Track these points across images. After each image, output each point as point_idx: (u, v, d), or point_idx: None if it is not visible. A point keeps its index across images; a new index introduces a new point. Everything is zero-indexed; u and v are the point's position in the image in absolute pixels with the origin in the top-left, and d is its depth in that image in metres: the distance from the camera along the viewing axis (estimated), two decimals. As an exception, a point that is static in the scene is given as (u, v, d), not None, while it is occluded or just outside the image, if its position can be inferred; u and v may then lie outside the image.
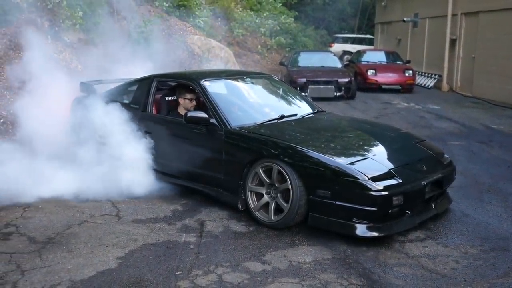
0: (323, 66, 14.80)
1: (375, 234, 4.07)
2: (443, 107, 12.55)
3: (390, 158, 4.57)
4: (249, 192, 4.59)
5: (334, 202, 4.10)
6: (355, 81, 14.35)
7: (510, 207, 5.06)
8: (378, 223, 4.10)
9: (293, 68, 14.65)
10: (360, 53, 18.12)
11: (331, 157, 4.29)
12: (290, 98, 5.99)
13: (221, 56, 14.63)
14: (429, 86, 17.34)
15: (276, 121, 5.11)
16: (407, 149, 4.96)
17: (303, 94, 6.92)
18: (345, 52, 25.88)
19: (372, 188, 4.00)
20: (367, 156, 4.48)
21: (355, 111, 11.64)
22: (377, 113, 11.43)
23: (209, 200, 5.04)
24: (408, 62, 17.27)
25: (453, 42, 16.67)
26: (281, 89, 6.07)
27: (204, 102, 5.25)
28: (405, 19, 20.96)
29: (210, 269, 3.71)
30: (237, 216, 4.72)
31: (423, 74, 18.47)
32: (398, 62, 16.97)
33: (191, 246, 4.11)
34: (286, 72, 14.43)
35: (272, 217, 4.43)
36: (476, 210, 4.96)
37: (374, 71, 15.70)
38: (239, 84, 5.81)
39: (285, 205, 4.33)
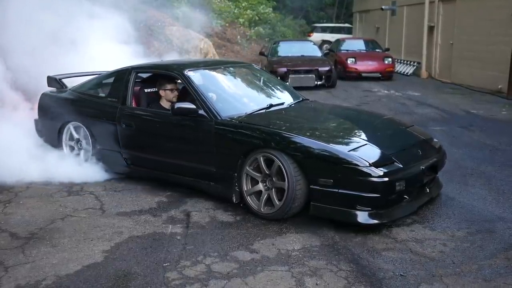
0: (303, 55, 14.79)
1: (377, 221, 4.04)
2: (423, 94, 12.64)
3: (386, 144, 4.51)
4: (244, 175, 4.45)
5: (336, 190, 4.01)
6: (335, 70, 14.36)
7: (494, 190, 5.10)
8: (380, 210, 4.06)
9: (273, 58, 14.60)
10: (339, 42, 18.16)
11: (332, 145, 4.19)
12: (274, 87, 5.87)
13: (200, 47, 14.49)
14: (408, 74, 17.46)
15: (264, 110, 4.99)
16: (399, 135, 4.93)
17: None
18: (324, 42, 25.97)
19: (375, 174, 3.94)
20: (365, 142, 4.37)
21: (336, 99, 11.65)
22: (359, 101, 11.46)
23: (194, 191, 4.97)
24: (387, 50, 17.35)
25: (431, 29, 16.79)
26: (263, 78, 5.96)
27: (188, 92, 5.09)
28: (383, 7, 21.05)
29: (198, 259, 3.66)
30: (223, 206, 4.68)
31: (402, 61, 18.59)
32: (377, 50, 17.03)
33: (178, 237, 4.06)
34: (267, 62, 14.38)
35: (262, 208, 4.35)
36: (461, 194, 4.99)
37: (353, 60, 15.74)
38: (222, 74, 5.65)
39: (277, 202, 4.25)
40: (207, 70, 5.49)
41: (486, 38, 13.45)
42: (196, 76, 5.13)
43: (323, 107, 5.79)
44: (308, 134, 4.37)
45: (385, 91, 13.11)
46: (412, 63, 17.72)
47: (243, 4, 22.41)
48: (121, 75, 5.57)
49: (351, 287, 3.28)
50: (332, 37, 25.70)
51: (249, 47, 20.54)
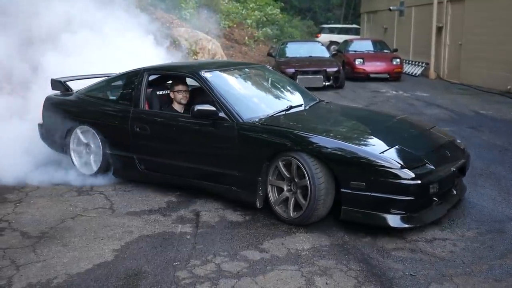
0: (311, 56, 14.79)
1: (410, 225, 3.95)
2: (432, 94, 12.59)
3: (415, 145, 4.39)
4: (269, 186, 4.34)
5: (369, 193, 3.89)
6: (343, 71, 14.35)
7: (503, 190, 5.08)
8: (413, 214, 3.96)
9: (281, 59, 14.62)
10: (347, 43, 18.12)
11: (362, 147, 4.08)
12: (289, 89, 5.70)
13: (208, 48, 14.52)
14: (417, 74, 17.40)
15: (285, 112, 4.84)
16: (425, 136, 4.81)
17: None
18: (332, 42, 25.94)
19: (408, 177, 3.84)
20: (393, 144, 4.23)
21: (344, 100, 11.64)
22: (367, 102, 11.44)
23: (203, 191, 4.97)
24: (395, 50, 17.31)
25: (439, 29, 16.73)
26: (278, 80, 5.84)
27: (199, 94, 4.96)
28: (391, 7, 21.02)
29: (208, 258, 3.68)
30: (233, 206, 4.69)
31: (410, 62, 18.53)
32: (385, 51, 16.99)
33: (188, 237, 4.07)
34: (275, 62, 14.37)
35: (291, 213, 4.23)
36: (471, 194, 4.97)
37: (361, 60, 15.72)
38: (238, 75, 5.45)
39: (303, 201, 4.14)
40: (222, 72, 5.31)
41: (495, 38, 13.39)
42: (213, 77, 4.98)
43: (342, 109, 5.66)
44: (338, 136, 4.25)
45: (394, 92, 13.08)
46: (420, 63, 17.66)
47: (251, 5, 22.44)
48: (133, 77, 5.42)
49: (361, 286, 3.28)
50: (340, 38, 25.66)
51: (257, 48, 20.54)
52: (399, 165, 3.89)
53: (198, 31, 15.09)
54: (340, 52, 17.41)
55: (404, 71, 16.92)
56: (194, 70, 5.11)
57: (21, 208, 4.78)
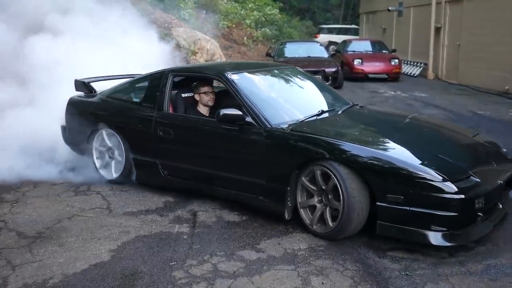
0: (309, 56, 14.81)
1: (454, 243, 3.60)
2: (430, 95, 12.61)
3: (459, 155, 4.11)
4: (300, 185, 4.08)
5: (407, 208, 3.58)
6: (342, 71, 14.36)
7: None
8: (457, 230, 3.61)
9: (280, 59, 14.60)
10: (346, 43, 18.16)
11: (400, 157, 3.77)
12: (321, 92, 5.36)
13: (207, 48, 14.53)
14: (415, 75, 17.44)
15: (316, 117, 4.54)
16: (469, 145, 4.48)
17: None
18: (331, 43, 25.96)
19: (451, 190, 3.52)
20: (435, 154, 3.95)
21: (342, 100, 11.63)
22: (366, 102, 11.42)
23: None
24: (394, 51, 17.34)
25: (438, 30, 16.76)
26: (308, 82, 5.45)
27: (225, 96, 4.78)
28: (390, 8, 21.05)
29: (205, 258, 3.68)
30: (230, 206, 4.68)
31: (408, 62, 18.58)
32: (383, 51, 17.03)
33: (185, 237, 4.07)
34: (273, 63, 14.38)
35: (314, 225, 4.01)
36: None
37: (360, 61, 15.75)
38: (266, 77, 5.14)
39: (331, 223, 3.89)
40: (250, 73, 5.02)
41: (493, 39, 13.41)
42: (240, 80, 4.70)
43: (378, 114, 5.37)
44: (373, 145, 3.99)
45: (392, 92, 13.10)
46: (418, 64, 17.70)
47: (250, 6, 22.46)
48: (157, 79, 5.18)
49: (357, 286, 3.28)
50: (338, 38, 25.68)
51: (256, 48, 20.57)
52: (441, 178, 3.57)
53: (197, 31, 15.11)
54: (338, 52, 17.44)
55: (402, 72, 16.96)
56: (220, 71, 4.85)
57: (18, 208, 4.78)
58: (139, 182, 5.25)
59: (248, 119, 4.34)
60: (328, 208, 3.93)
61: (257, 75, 5.08)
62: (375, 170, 3.73)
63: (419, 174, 3.60)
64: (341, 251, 3.77)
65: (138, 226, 4.31)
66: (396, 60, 15.83)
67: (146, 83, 5.37)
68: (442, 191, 3.53)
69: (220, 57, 14.88)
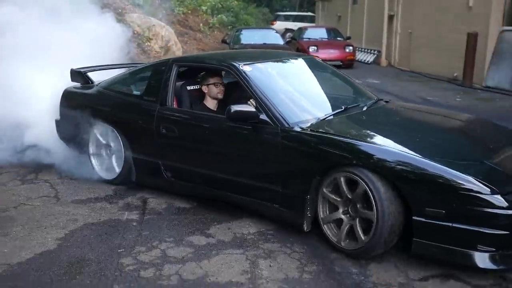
0: (265, 43, 14.83)
1: (503, 266, 3.10)
2: (383, 82, 12.88)
3: (506, 161, 3.55)
4: (320, 197, 3.59)
5: (450, 224, 3.09)
6: (297, 58, 14.45)
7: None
8: (507, 251, 3.12)
9: (236, 46, 14.61)
10: (301, 30, 18.29)
11: (441, 164, 3.19)
12: (343, 85, 4.92)
13: (162, 35, 14.33)
14: (369, 62, 17.75)
15: (339, 115, 4.05)
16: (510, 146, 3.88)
17: None
18: (287, 30, 26.01)
19: (502, 205, 3.02)
20: (481, 160, 3.43)
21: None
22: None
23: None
24: (349, 38, 17.59)
25: (391, 18, 17.08)
26: (329, 74, 4.97)
27: (237, 89, 4.33)
28: (344, -5, 21.26)
29: (154, 245, 3.67)
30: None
31: (363, 50, 18.88)
32: (338, 39, 17.24)
33: (134, 224, 4.05)
34: (229, 49, 14.35)
35: (342, 242, 3.51)
36: None
37: (315, 48, 15.90)
38: (282, 69, 4.62)
39: (363, 237, 3.38)
40: (265, 64, 4.46)
41: (443, 27, 13.79)
42: (253, 72, 4.16)
43: (408, 110, 4.77)
44: (408, 148, 3.38)
45: (346, 79, 13.28)
46: (372, 51, 18.02)
47: (206, -8, 22.26)
48: (159, 69, 4.69)
49: (304, 267, 3.35)
50: (295, 25, 25.81)
51: (212, 35, 20.43)
52: (490, 190, 3.06)
53: (151, 17, 14.87)
54: (294, 39, 17.55)
55: (357, 59, 17.23)
56: (230, 62, 4.28)
57: (-39, 198, 4.64)
58: (139, 184, 4.83)
59: (263, 116, 3.84)
60: (357, 219, 3.44)
61: (272, 66, 4.53)
62: (410, 179, 3.21)
63: (464, 185, 3.08)
64: (289, 235, 3.83)
65: (87, 214, 4.26)
66: (351, 47, 16.06)
67: (148, 74, 4.90)
68: (491, 205, 3.04)
69: (175, 44, 14.72)
